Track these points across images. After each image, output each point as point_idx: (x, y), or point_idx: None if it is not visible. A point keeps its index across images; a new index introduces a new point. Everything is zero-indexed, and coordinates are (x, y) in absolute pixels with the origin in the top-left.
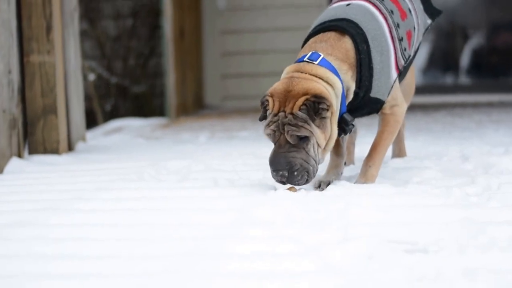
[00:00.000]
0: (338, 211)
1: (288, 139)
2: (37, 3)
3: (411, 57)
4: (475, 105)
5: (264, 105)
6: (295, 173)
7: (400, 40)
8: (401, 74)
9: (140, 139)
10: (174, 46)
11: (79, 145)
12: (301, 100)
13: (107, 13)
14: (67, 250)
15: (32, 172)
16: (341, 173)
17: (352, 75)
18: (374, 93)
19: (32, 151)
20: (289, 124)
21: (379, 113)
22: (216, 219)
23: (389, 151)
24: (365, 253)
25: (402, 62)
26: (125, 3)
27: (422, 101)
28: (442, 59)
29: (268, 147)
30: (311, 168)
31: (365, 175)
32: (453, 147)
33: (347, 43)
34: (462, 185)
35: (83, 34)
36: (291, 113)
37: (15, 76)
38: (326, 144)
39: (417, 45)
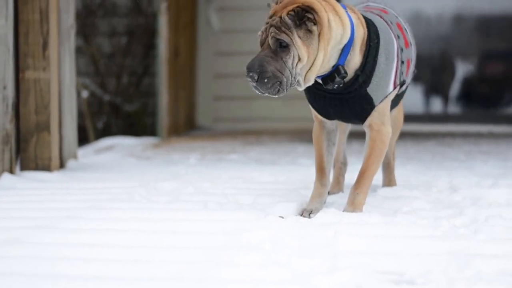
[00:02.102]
0: (327, 239)
1: (269, 41)
2: (34, 20)
3: (402, 89)
4: (465, 135)
5: (269, 8)
6: (265, 80)
7: (402, 62)
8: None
9: (131, 158)
10: (168, 66)
11: (71, 163)
12: (292, 6)
13: (102, 30)
14: (56, 269)
15: (24, 188)
16: (325, 202)
17: (361, 45)
18: (370, 89)
19: (24, 168)
20: (274, 26)
21: (367, 126)
22: (205, 243)
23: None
24: (353, 283)
25: (398, 81)
26: (120, 21)
27: (413, 129)
28: (432, 88)
29: (258, 171)
30: (284, 79)
31: (353, 203)
32: (442, 178)
33: (363, 25)
34: (450, 217)
35: (78, 51)
36: (280, 17)
37: (10, 92)
38: (312, 65)
39: (411, 77)
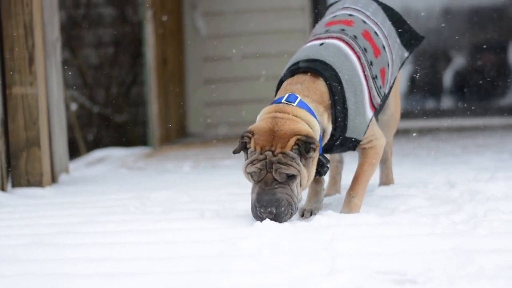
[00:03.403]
0: (325, 242)
1: (277, 177)
2: (19, 35)
3: (386, 94)
4: (460, 130)
5: (244, 141)
6: (282, 208)
7: (374, 78)
8: (378, 111)
9: (124, 169)
10: (156, 75)
11: (63, 177)
12: (293, 140)
13: (88, 41)
14: (54, 286)
15: (16, 205)
16: (322, 200)
17: (328, 117)
18: (349, 133)
19: (15, 184)
20: (279, 163)
21: (357, 148)
22: (203, 251)
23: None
24: (353, 285)
25: (378, 100)
26: (106, 31)
27: (407, 126)
28: (425, 83)
29: None
30: (294, 204)
31: (349, 205)
32: (439, 174)
33: (321, 85)
34: (448, 213)
35: (64, 63)
36: (282, 152)
37: None
38: (305, 183)
39: (392, 80)
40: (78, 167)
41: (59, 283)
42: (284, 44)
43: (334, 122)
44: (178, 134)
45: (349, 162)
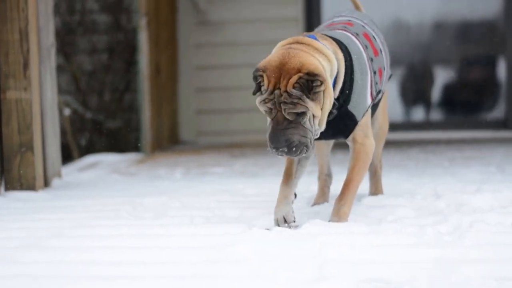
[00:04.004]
0: (313, 249)
1: (286, 116)
2: (14, 40)
3: (378, 97)
4: (448, 142)
5: (257, 81)
6: (294, 149)
7: (374, 72)
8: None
9: (116, 175)
10: (150, 82)
11: (55, 181)
12: (294, 78)
13: (82, 48)
14: None
15: (9, 208)
16: (293, 202)
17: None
18: (351, 107)
19: (8, 188)
20: (285, 103)
21: (351, 140)
22: (192, 257)
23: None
24: None
25: (374, 93)
26: (100, 38)
27: (396, 137)
28: (413, 95)
29: (242, 184)
30: (308, 140)
31: (338, 213)
32: (427, 185)
33: (335, 45)
34: (435, 224)
35: (59, 69)
36: (286, 91)
37: None
38: (322, 114)
39: (383, 88)
40: (70, 171)
41: (49, 286)
42: None
43: (342, 86)
44: (170, 141)
45: (337, 172)
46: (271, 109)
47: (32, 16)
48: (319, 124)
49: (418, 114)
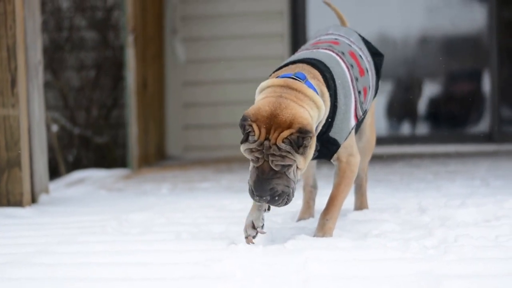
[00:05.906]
0: (298, 265)
1: (273, 167)
2: (2, 57)
3: (363, 115)
4: (433, 156)
5: (247, 131)
6: (276, 198)
7: (359, 92)
8: (357, 125)
9: (103, 190)
10: (137, 98)
11: (42, 197)
12: (285, 133)
13: (70, 64)
14: None
15: None
16: (265, 211)
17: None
18: (333, 133)
19: None
20: (274, 155)
21: (336, 160)
22: (178, 273)
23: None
24: None
25: (360, 113)
26: (88, 54)
27: (381, 151)
28: (399, 110)
29: (228, 199)
30: (290, 190)
31: (323, 228)
32: (411, 199)
33: (318, 75)
34: (419, 238)
35: (46, 85)
36: (275, 144)
37: None
38: (305, 165)
39: (369, 106)
40: (58, 187)
41: None
42: (262, 70)
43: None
44: (157, 156)
45: (323, 187)
46: (258, 158)
47: (20, 34)
48: (300, 175)
49: (404, 128)
